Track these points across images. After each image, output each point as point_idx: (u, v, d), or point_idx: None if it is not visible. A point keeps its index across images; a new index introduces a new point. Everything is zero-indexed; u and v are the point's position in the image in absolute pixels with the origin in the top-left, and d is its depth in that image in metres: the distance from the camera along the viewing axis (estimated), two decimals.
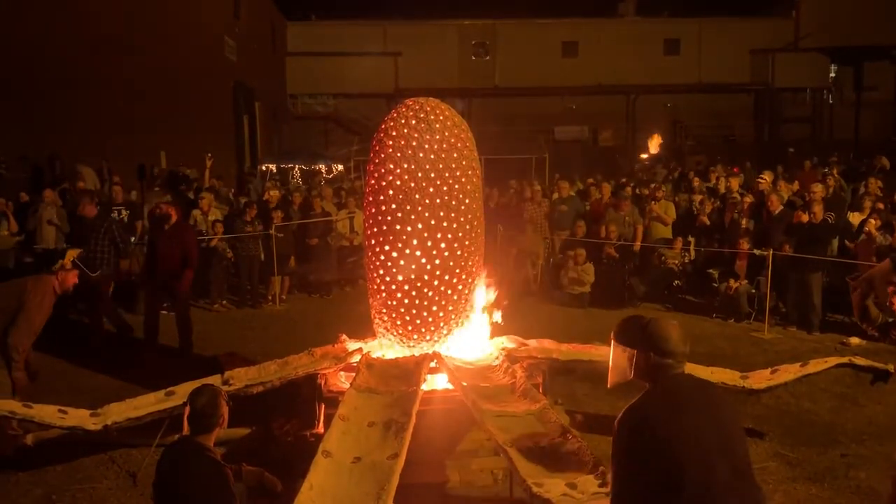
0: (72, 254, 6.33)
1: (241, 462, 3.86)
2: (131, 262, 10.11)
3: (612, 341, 2.57)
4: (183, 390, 5.08)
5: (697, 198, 12.13)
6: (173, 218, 7.86)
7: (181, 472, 3.29)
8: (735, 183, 12.49)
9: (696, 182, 14.00)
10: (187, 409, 3.40)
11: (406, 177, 5.27)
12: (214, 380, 5.07)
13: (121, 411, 4.93)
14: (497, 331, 6.12)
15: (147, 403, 5.04)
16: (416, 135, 5.32)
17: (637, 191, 13.05)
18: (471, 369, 5.40)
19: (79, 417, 4.88)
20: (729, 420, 2.45)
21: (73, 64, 13.58)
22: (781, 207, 9.70)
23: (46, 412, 4.83)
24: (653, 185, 12.36)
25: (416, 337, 5.54)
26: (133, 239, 10.20)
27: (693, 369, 5.60)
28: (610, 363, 2.58)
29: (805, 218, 9.08)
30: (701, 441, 2.32)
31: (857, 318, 8.58)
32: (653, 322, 2.51)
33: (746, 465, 2.42)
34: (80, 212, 8.51)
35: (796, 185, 12.93)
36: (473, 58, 32.06)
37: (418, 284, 5.38)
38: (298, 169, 21.28)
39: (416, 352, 5.54)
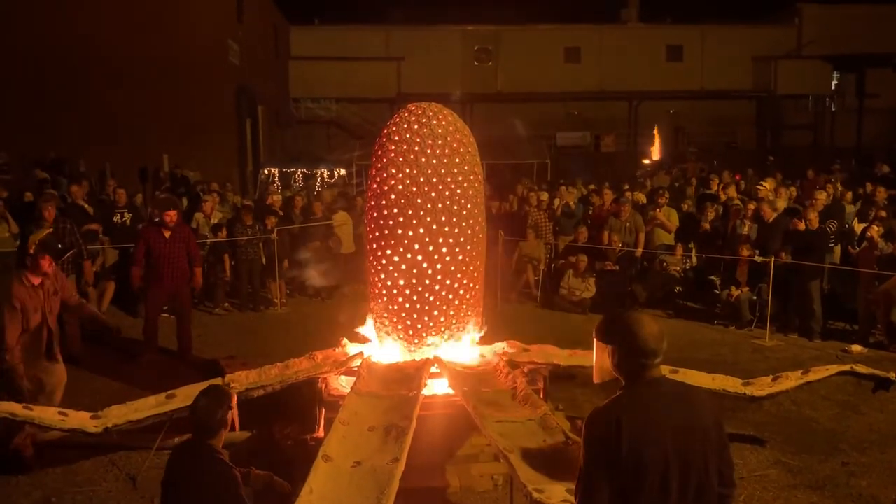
0: (35, 238, 5.73)
1: (251, 466, 3.86)
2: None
3: (594, 338, 2.53)
4: (183, 393, 5.08)
5: (685, 205, 12.19)
6: (173, 222, 7.76)
7: (190, 473, 3.30)
8: (732, 190, 12.57)
9: (691, 190, 14.07)
10: (192, 411, 3.41)
11: (408, 181, 5.28)
12: (215, 383, 5.07)
13: (121, 414, 4.93)
14: (498, 336, 6.12)
15: (147, 406, 5.04)
16: (418, 139, 5.33)
17: (634, 197, 13.05)
18: (472, 374, 5.40)
19: (79, 420, 4.87)
20: (702, 432, 2.39)
21: (77, 67, 13.62)
22: (776, 215, 9.69)
23: (47, 414, 4.83)
24: (659, 191, 12.36)
25: (416, 341, 5.54)
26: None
27: (694, 376, 5.59)
28: (594, 360, 2.55)
29: (802, 225, 9.08)
30: (665, 456, 2.31)
31: (884, 335, 8.62)
32: (626, 317, 2.46)
33: (707, 485, 2.38)
34: (41, 218, 7.93)
35: (793, 191, 12.95)
36: (476, 63, 32.12)
37: (419, 289, 5.38)
38: (301, 173, 21.35)
39: (417, 356, 5.54)
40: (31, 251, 5.42)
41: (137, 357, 7.91)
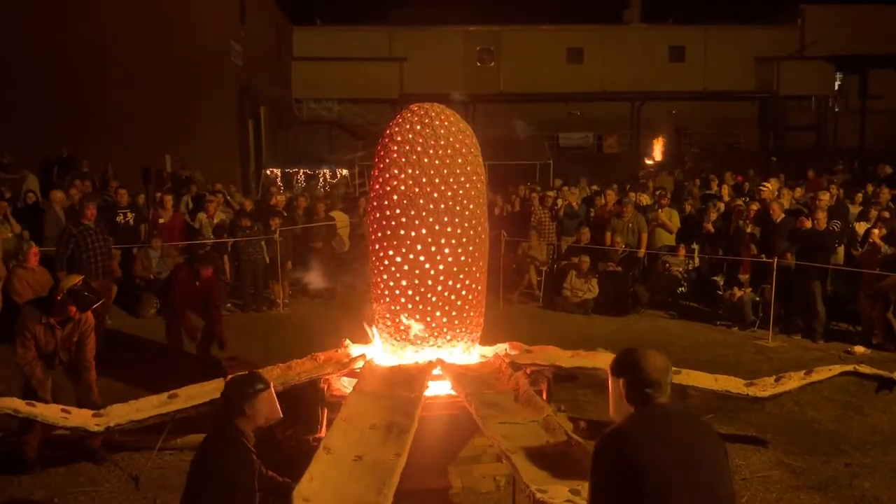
0: (65, 284, 5.39)
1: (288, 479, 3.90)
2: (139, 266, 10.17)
3: (608, 373, 2.71)
4: (186, 393, 5.08)
5: (688, 206, 12.22)
6: (206, 276, 7.88)
7: (210, 450, 3.42)
8: (726, 190, 12.61)
9: (696, 191, 14.10)
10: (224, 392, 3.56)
11: (410, 182, 5.28)
12: (217, 384, 5.07)
13: (123, 413, 4.94)
14: (500, 337, 6.12)
15: (149, 406, 5.05)
16: (420, 140, 5.33)
17: (637, 199, 13.04)
18: (474, 376, 5.39)
19: (81, 418, 4.88)
20: (707, 457, 2.47)
21: (80, 68, 13.65)
22: (783, 216, 9.69)
23: (50, 411, 4.84)
24: (658, 192, 12.37)
25: (419, 342, 5.54)
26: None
27: (697, 377, 5.59)
28: (610, 395, 2.71)
29: (808, 225, 9.07)
30: (668, 476, 2.36)
31: (880, 336, 8.59)
32: (635, 352, 2.65)
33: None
34: (83, 217, 8.26)
35: (798, 193, 12.96)
36: (479, 64, 32.10)
37: (422, 289, 5.38)
38: (303, 173, 21.37)
39: (419, 357, 5.53)
40: (59, 298, 5.28)
41: (142, 357, 7.94)
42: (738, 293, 9.71)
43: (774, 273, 8.97)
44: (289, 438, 5.52)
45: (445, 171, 5.30)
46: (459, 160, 5.37)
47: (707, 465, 2.43)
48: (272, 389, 3.57)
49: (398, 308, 5.48)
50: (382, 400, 4.82)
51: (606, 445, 2.45)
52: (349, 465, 3.88)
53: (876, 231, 8.90)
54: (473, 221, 5.43)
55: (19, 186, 11.66)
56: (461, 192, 5.34)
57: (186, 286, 7.79)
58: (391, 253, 5.39)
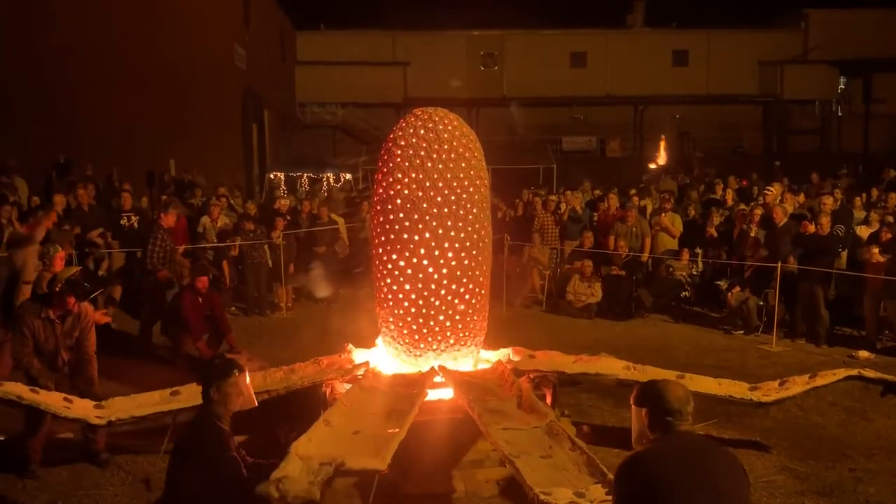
0: (63, 275, 5.42)
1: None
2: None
3: (632, 404, 2.82)
4: (188, 391, 5.08)
5: (691, 210, 12.22)
6: (205, 288, 8.17)
7: (188, 434, 3.53)
8: (730, 194, 12.58)
9: (694, 195, 14.10)
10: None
11: (414, 186, 5.29)
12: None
13: (125, 408, 4.96)
14: (503, 341, 6.11)
15: (151, 402, 5.07)
16: (424, 144, 5.34)
17: (641, 202, 13.03)
18: (476, 382, 5.38)
19: (83, 409, 4.88)
20: (725, 484, 2.54)
21: (84, 72, 13.68)
22: (786, 219, 9.66)
23: (52, 400, 4.83)
24: (662, 196, 12.37)
25: (422, 346, 5.53)
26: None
27: (701, 381, 5.58)
28: (633, 425, 2.82)
29: (812, 229, 9.04)
30: (683, 498, 2.44)
31: None
32: (658, 383, 2.80)
33: None
34: (164, 221, 9.01)
35: (802, 198, 12.93)
36: (482, 68, 32.16)
37: (425, 294, 5.38)
38: (307, 177, 21.41)
39: (422, 361, 5.54)
40: (58, 289, 5.28)
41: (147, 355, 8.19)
42: (736, 293, 9.68)
43: (778, 277, 8.95)
44: (291, 441, 5.50)
45: (449, 176, 5.31)
46: (463, 164, 5.38)
47: (725, 491, 2.50)
48: (245, 376, 3.62)
49: (401, 312, 5.49)
50: (384, 395, 4.91)
51: (625, 468, 2.55)
52: (348, 436, 4.03)
53: (876, 249, 8.78)
54: (477, 225, 5.43)
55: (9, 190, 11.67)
56: (464, 196, 5.35)
57: (194, 308, 8.05)
58: (394, 257, 5.39)
